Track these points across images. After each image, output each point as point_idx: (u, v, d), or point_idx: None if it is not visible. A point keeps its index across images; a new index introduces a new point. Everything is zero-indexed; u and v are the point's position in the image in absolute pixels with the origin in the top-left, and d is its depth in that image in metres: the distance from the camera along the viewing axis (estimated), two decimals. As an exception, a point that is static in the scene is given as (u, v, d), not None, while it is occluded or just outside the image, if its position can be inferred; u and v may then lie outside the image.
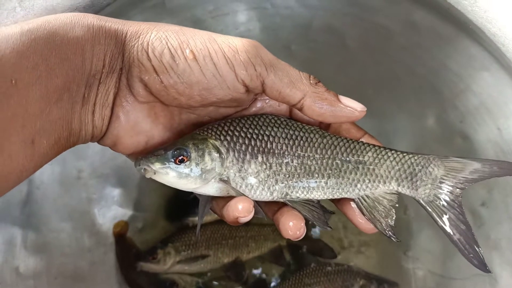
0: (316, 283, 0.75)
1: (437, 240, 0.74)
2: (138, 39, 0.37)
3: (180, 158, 0.39)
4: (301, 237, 0.40)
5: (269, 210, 0.43)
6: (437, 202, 0.41)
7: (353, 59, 0.71)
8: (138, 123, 0.40)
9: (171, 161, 0.39)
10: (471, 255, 0.40)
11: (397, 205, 0.41)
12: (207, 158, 0.39)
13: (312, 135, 0.42)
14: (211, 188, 0.41)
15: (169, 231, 0.82)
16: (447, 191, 0.41)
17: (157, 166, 0.39)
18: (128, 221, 0.79)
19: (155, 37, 0.37)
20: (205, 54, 0.37)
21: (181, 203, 0.82)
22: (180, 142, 0.40)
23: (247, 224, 0.82)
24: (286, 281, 0.77)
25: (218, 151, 0.40)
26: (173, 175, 0.39)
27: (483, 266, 0.40)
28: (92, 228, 0.73)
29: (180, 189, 0.41)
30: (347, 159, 0.41)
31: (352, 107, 0.40)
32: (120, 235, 0.77)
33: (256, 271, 0.82)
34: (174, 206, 0.83)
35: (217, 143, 0.40)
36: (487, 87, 0.57)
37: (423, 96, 0.68)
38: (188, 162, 0.39)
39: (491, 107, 0.58)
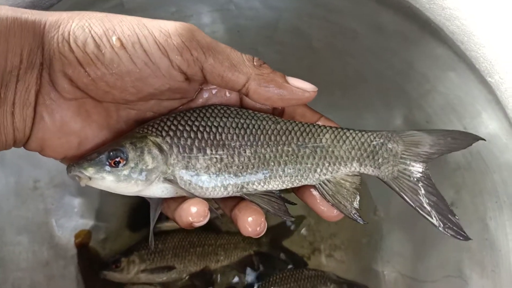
0: (286, 290, 0.74)
1: (408, 242, 0.74)
2: (58, 29, 0.34)
3: (116, 160, 0.36)
4: (262, 233, 0.37)
5: (225, 207, 0.40)
6: (403, 178, 0.40)
7: (321, 61, 0.70)
8: (66, 123, 0.37)
9: (106, 164, 0.36)
10: (447, 226, 0.39)
11: (360, 187, 0.40)
12: (147, 157, 0.37)
13: (264, 122, 0.40)
14: (157, 189, 0.38)
15: (134, 241, 0.80)
16: (411, 166, 0.40)
17: (90, 171, 0.36)
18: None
19: (76, 26, 0.34)
20: (133, 40, 0.34)
21: (147, 210, 0.80)
22: (115, 143, 0.37)
23: (217, 232, 0.82)
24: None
25: (160, 149, 0.37)
26: (110, 180, 0.37)
27: (462, 235, 0.39)
28: (50, 241, 0.70)
29: (122, 194, 0.38)
30: (304, 143, 0.40)
31: (302, 87, 0.38)
32: (82, 245, 0.74)
33: (225, 279, 0.80)
34: (139, 214, 0.81)
35: (158, 139, 0.38)
36: (453, 87, 0.57)
37: (390, 98, 0.68)
38: (125, 164, 0.36)
39: (457, 107, 0.58)
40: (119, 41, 0.34)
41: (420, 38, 0.55)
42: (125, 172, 0.36)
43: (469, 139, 0.41)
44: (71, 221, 0.74)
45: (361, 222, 0.39)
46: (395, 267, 0.75)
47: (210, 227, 0.82)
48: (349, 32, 0.63)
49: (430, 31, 0.52)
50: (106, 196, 0.77)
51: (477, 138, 0.40)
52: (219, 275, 0.80)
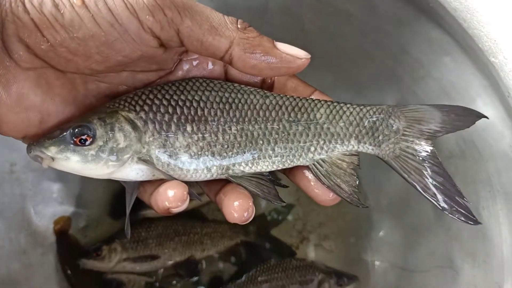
0: (273, 279, 0.73)
1: (398, 232, 0.74)
2: None
3: (81, 137, 0.33)
4: (249, 219, 0.34)
5: (210, 190, 0.37)
6: (405, 157, 0.37)
7: (313, 44, 0.68)
8: (24, 96, 0.33)
9: (70, 143, 0.33)
10: (454, 209, 0.36)
11: (358, 167, 0.37)
12: (118, 134, 0.33)
13: (252, 97, 0.36)
14: (130, 171, 0.35)
15: (116, 229, 0.78)
16: (415, 144, 0.37)
17: (53, 150, 0.33)
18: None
19: None
20: None
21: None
22: (81, 118, 0.34)
23: (203, 220, 0.80)
24: (242, 278, 0.75)
25: (133, 125, 0.34)
26: (76, 160, 0.33)
27: (472, 219, 0.36)
28: (28, 227, 0.68)
29: (91, 176, 0.35)
30: (296, 119, 0.36)
31: (293, 54, 0.34)
32: (62, 232, 0.72)
33: (211, 269, 0.79)
34: (121, 200, 0.78)
35: (131, 115, 0.34)
36: (447, 72, 0.56)
37: (382, 83, 0.66)
38: (92, 142, 0.33)
39: (451, 92, 0.57)
40: None
41: (414, 20, 0.54)
42: (93, 151, 0.33)
43: (472, 116, 0.38)
44: (50, 207, 0.71)
45: (359, 206, 0.37)
46: (385, 256, 0.74)
47: (196, 215, 0.80)
48: (341, 14, 0.61)
49: (426, 12, 0.50)
50: (87, 181, 0.75)
51: (480, 116, 0.38)
52: (204, 265, 0.79)
